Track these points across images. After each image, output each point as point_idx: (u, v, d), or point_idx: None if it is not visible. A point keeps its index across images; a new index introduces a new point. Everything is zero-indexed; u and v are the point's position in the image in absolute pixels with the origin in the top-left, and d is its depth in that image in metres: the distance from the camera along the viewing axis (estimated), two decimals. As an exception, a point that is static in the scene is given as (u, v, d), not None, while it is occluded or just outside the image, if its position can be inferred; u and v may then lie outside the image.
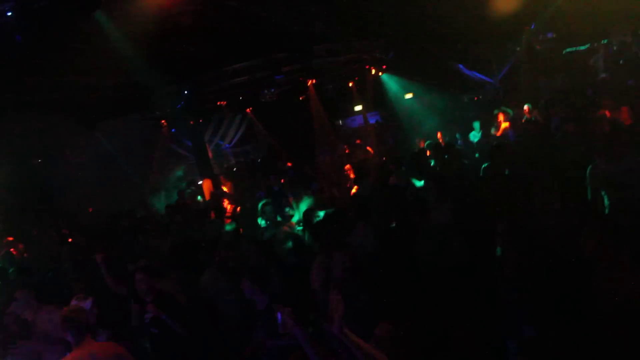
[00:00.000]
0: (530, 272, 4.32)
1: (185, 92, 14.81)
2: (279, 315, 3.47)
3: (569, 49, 17.71)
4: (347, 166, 11.68)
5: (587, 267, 3.83)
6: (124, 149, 16.77)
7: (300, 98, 20.18)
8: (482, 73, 20.08)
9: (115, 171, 17.05)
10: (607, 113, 8.73)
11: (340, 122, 23.44)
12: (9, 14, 7.36)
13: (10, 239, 11.47)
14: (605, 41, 16.37)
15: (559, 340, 3.83)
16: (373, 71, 18.45)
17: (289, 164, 16.78)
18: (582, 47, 17.20)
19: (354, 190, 9.54)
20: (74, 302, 5.72)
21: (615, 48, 15.91)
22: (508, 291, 4.41)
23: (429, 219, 6.00)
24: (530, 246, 4.55)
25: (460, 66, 19.75)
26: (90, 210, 15.87)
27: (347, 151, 16.86)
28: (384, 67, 18.58)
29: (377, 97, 20.59)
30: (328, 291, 3.55)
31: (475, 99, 20.99)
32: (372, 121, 22.44)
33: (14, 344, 5.27)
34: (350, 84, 20.34)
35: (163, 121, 17.41)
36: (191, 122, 16.57)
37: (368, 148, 15.53)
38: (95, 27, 8.87)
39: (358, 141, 17.64)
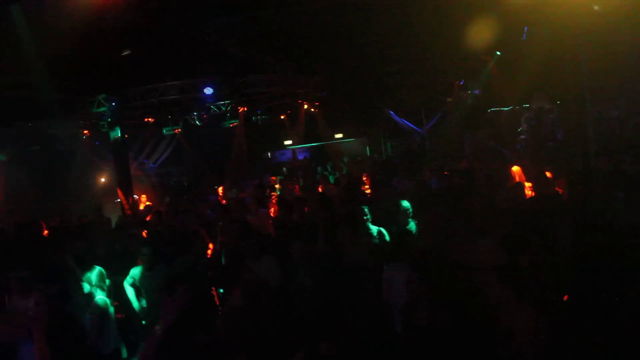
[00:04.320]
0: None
1: (113, 103, 14.28)
2: None
3: (493, 108, 18.53)
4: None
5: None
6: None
7: (231, 125, 19.99)
8: (410, 121, 20.69)
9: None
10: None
11: (269, 154, 23.34)
12: None
13: None
14: (527, 106, 17.18)
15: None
16: (306, 106, 18.59)
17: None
18: (505, 109, 18.02)
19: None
20: None
21: (534, 113, 16.64)
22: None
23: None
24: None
25: (391, 112, 20.27)
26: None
27: (273, 178, 16.71)
28: (317, 103, 18.79)
29: (307, 134, 20.76)
30: None
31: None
32: (300, 157, 22.53)
33: None
34: (283, 117, 20.38)
35: (86, 131, 16.82)
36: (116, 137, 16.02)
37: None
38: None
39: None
